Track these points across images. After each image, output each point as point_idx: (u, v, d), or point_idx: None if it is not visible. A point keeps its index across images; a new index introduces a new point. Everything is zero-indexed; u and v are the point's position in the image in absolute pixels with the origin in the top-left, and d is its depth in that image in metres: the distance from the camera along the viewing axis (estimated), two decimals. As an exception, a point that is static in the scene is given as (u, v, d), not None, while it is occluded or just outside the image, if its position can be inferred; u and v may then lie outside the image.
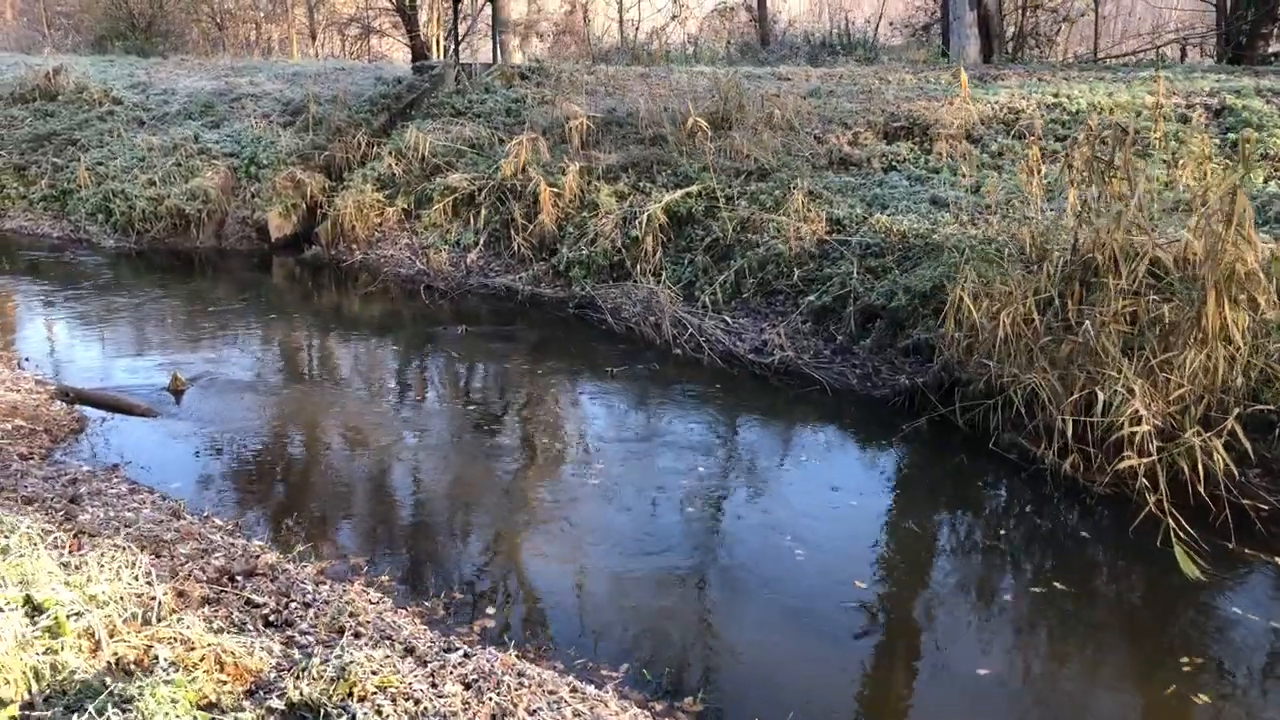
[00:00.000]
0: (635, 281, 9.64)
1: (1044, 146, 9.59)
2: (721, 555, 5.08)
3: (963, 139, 10.21)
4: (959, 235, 8.17)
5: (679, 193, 10.01)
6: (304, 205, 12.77)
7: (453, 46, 15.52)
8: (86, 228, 13.19)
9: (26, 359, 7.98)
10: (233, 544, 4.94)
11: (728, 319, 8.76)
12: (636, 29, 20.36)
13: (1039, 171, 7.94)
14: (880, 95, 11.88)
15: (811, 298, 8.36)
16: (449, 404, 7.47)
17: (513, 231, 10.92)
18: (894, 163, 10.12)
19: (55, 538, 4.62)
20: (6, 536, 3.58)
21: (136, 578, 3.75)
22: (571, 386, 7.80)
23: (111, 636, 3.23)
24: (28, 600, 3.08)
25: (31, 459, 5.96)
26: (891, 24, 17.72)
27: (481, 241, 11.13)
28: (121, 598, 3.54)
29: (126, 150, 14.03)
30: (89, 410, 6.98)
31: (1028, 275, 6.50)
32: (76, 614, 3.22)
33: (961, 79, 10.60)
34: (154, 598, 3.62)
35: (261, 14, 24.67)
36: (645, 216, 9.67)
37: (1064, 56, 14.61)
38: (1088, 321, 5.64)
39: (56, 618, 2.93)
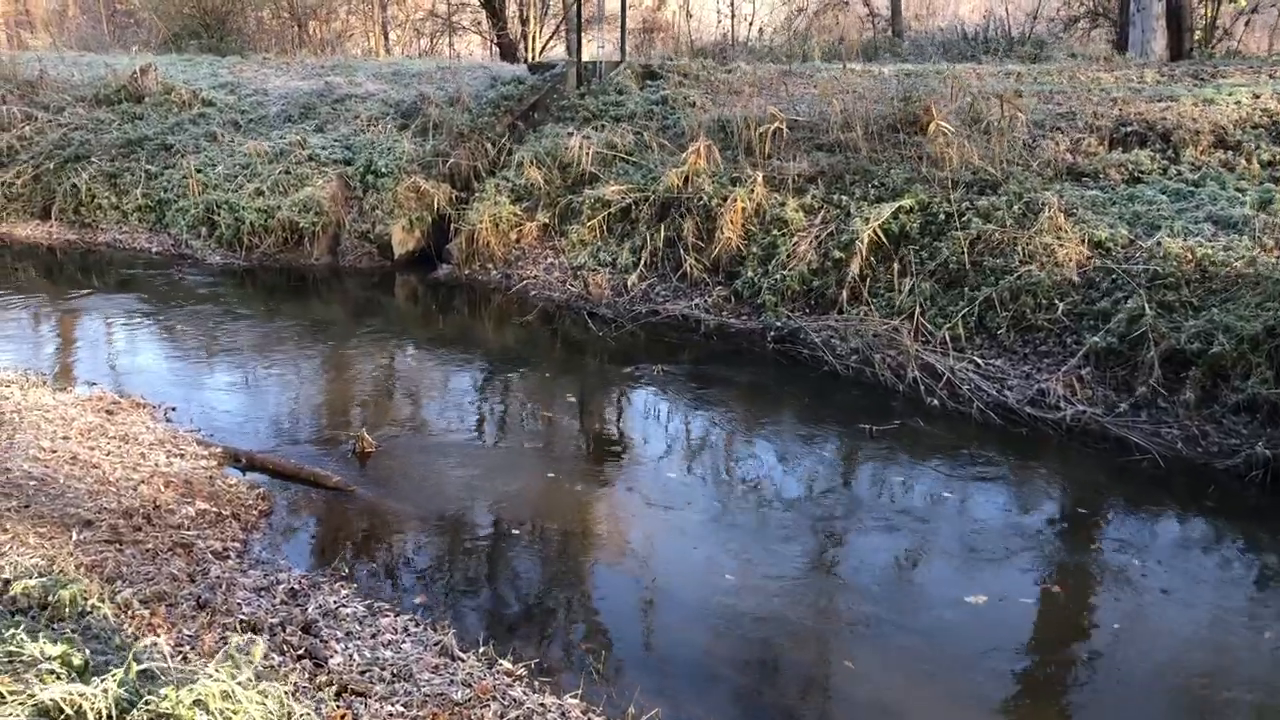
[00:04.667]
0: (841, 311, 8.34)
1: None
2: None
3: (1216, 146, 8.81)
4: (1276, 265, 6.81)
5: (888, 208, 8.68)
6: (429, 219, 11.55)
7: (577, 43, 14.25)
8: (189, 241, 12.04)
9: (172, 408, 6.78)
10: (542, 705, 3.68)
11: (978, 360, 7.43)
12: (750, 24, 19.02)
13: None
14: (1082, 96, 10.48)
15: (1095, 338, 7.00)
16: (700, 472, 6.15)
17: (682, 251, 9.63)
18: (1137, 174, 8.73)
19: (319, 702, 3.41)
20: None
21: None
22: (837, 451, 6.46)
23: None
24: None
25: (228, 557, 4.75)
26: (1034, 16, 16.32)
27: (642, 262, 9.84)
28: None
29: (226, 156, 12.87)
30: (261, 478, 5.79)
31: None
32: None
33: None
34: None
35: (328, 11, 23.50)
36: (863, 235, 8.35)
37: (1269, 51, 13.13)
38: None
39: None
